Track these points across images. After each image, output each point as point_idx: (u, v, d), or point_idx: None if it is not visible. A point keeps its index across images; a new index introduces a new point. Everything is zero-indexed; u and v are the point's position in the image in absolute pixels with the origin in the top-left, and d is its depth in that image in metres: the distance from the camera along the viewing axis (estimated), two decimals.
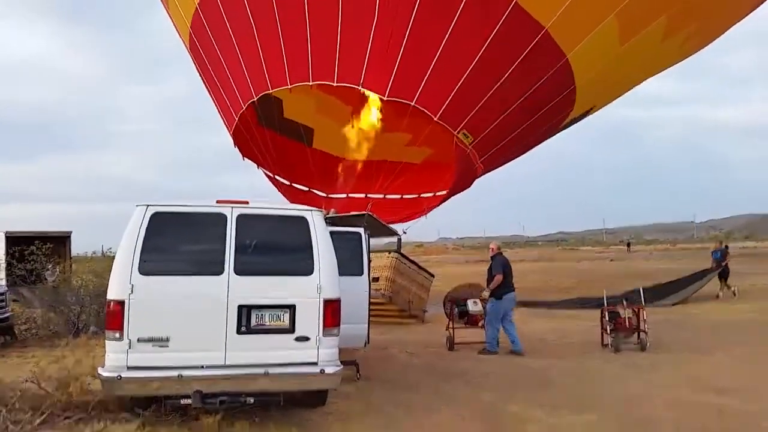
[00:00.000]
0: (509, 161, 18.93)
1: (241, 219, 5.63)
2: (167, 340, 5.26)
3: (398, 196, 18.23)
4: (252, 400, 5.42)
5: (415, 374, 8.36)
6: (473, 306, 10.27)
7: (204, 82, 17.86)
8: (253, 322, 5.47)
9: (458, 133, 14.34)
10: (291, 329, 5.52)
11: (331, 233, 7.94)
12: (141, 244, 5.34)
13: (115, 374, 5.12)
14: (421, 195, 18.01)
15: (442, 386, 7.60)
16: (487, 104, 14.22)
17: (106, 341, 5.30)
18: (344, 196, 17.80)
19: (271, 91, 14.86)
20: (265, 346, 5.45)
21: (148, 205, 5.49)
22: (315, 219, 5.80)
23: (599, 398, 6.84)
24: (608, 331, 9.98)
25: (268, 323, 5.51)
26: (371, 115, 15.21)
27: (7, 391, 6.56)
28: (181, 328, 5.31)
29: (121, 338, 5.22)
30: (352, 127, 15.51)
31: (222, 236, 5.52)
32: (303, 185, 18.07)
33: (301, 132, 17.12)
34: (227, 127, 16.98)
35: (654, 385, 7.44)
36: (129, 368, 5.19)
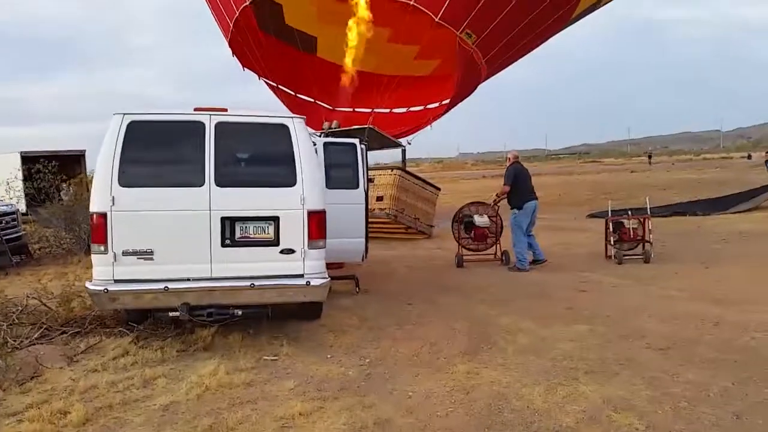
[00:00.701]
0: (515, 60, 18.24)
1: (220, 127, 5.48)
2: (152, 253, 5.27)
3: (404, 110, 17.88)
4: (240, 313, 5.47)
5: (413, 288, 8.41)
6: (479, 219, 10.11)
7: None
8: (238, 234, 5.45)
9: (461, 33, 13.81)
10: (276, 241, 5.48)
11: (326, 145, 7.88)
12: (119, 155, 5.25)
13: (101, 288, 5.17)
14: (427, 106, 17.61)
15: (439, 299, 7.63)
16: (490, 3, 13.61)
17: (92, 255, 5.33)
18: (350, 109, 17.49)
19: None
20: (250, 259, 5.44)
21: (124, 114, 5.36)
22: (297, 127, 5.60)
23: (594, 310, 6.81)
24: (612, 243, 9.87)
25: (252, 235, 5.48)
26: (367, 16, 14.66)
27: (11, 307, 6.76)
28: (165, 241, 5.30)
29: (105, 251, 5.23)
30: (355, 35, 14.95)
31: (201, 146, 5.40)
32: (308, 96, 17.66)
33: (304, 40, 16.58)
34: (224, 35, 16.52)
35: (651, 297, 7.39)
36: (116, 281, 5.23)
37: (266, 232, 5.48)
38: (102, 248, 5.25)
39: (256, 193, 5.49)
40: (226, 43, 16.66)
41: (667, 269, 9.05)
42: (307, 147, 5.62)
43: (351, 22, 14.97)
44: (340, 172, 7.96)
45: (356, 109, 17.45)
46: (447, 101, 16.50)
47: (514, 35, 15.19)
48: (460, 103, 17.73)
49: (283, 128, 5.56)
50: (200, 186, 5.36)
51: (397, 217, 12.95)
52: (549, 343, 5.64)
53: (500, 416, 4.06)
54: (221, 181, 5.40)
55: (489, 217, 10.19)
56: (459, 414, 4.12)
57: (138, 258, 5.25)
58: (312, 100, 17.74)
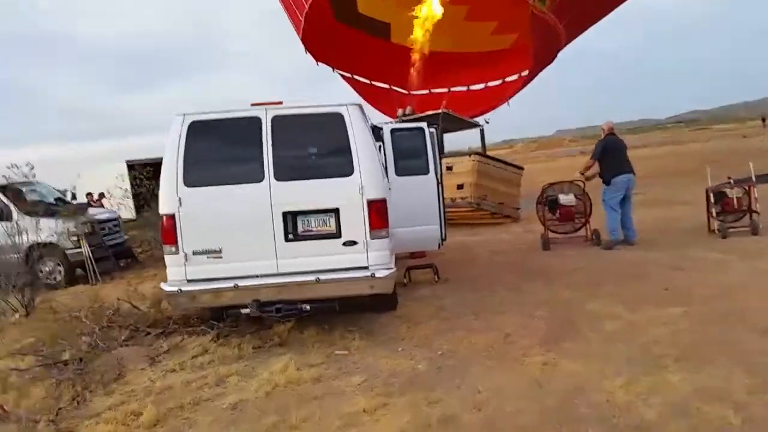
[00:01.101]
0: (597, 19, 17.22)
1: (276, 120, 5.46)
2: (220, 251, 5.34)
3: (482, 86, 17.38)
4: (308, 308, 5.45)
5: (495, 274, 8.10)
6: (564, 197, 9.62)
7: None
8: (300, 228, 5.41)
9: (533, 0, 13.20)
10: (338, 233, 5.40)
11: (393, 131, 7.72)
12: (183, 156, 5.35)
13: (175, 288, 5.31)
14: (506, 79, 17.02)
15: (521, 285, 7.30)
16: None
17: (165, 256, 5.47)
18: (426, 92, 17.24)
19: None
20: (314, 252, 5.39)
21: (185, 115, 5.45)
22: (352, 114, 5.47)
23: (691, 290, 6.27)
24: (714, 215, 9.09)
25: (315, 229, 5.43)
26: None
27: (105, 311, 7.12)
28: (231, 239, 5.36)
29: (177, 252, 5.36)
30: (428, 15, 14.66)
31: (258, 141, 5.40)
32: (383, 83, 17.54)
33: (378, 27, 16.51)
34: (296, 32, 16.66)
35: (758, 273, 6.72)
36: (189, 281, 5.35)
37: (328, 224, 5.41)
38: (173, 249, 5.38)
39: (314, 186, 5.43)
40: (299, 41, 16.79)
41: None
42: (363, 135, 5.48)
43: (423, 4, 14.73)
44: (409, 158, 7.78)
45: (432, 91, 17.19)
46: (526, 72, 15.85)
47: None
48: (541, 72, 17.06)
49: (338, 117, 5.45)
50: (260, 181, 5.37)
51: (480, 204, 12.58)
52: (638, 329, 5.23)
53: (576, 411, 3.77)
54: (280, 175, 5.38)
55: (575, 195, 9.65)
56: (530, 410, 3.85)
57: (208, 257, 5.34)
58: (388, 86, 17.58)
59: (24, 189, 11.92)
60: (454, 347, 5.21)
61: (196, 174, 5.38)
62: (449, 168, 12.76)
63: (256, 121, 5.45)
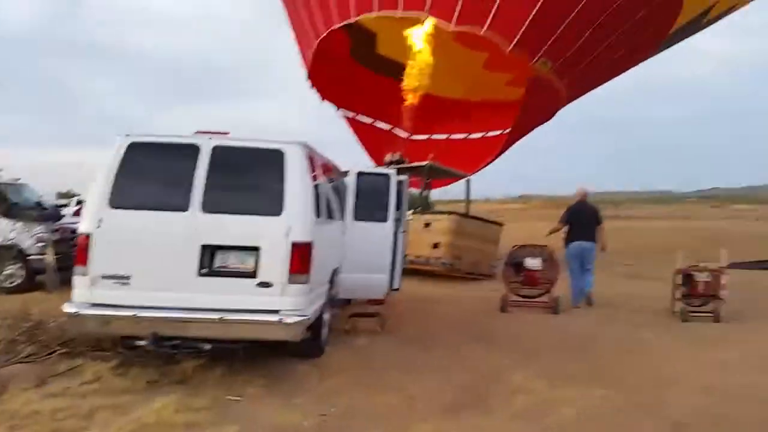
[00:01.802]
0: (601, 81, 17.08)
1: (216, 151, 5.31)
2: (129, 278, 5.13)
3: (480, 135, 17.26)
4: (208, 347, 5.21)
5: (442, 332, 7.80)
6: (530, 261, 9.36)
7: (288, 19, 17.51)
8: (217, 263, 5.22)
9: (535, 62, 13.14)
10: (254, 273, 5.18)
11: (359, 175, 7.57)
12: (114, 177, 5.22)
13: (74, 310, 5.11)
14: (486, 134, 16.88)
15: (461, 346, 6.99)
16: (568, 25, 12.83)
17: (74, 276, 5.29)
18: (425, 137, 17.14)
19: (356, 19, 14.29)
20: (226, 290, 5.17)
21: (127, 135, 5.34)
22: (293, 154, 5.31)
23: (624, 373, 5.97)
24: (678, 297, 8.76)
25: (231, 265, 5.23)
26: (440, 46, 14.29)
27: (26, 323, 6.87)
28: (143, 266, 5.16)
29: (85, 273, 5.17)
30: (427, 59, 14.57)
31: (192, 170, 5.24)
32: (386, 123, 17.33)
33: (393, 67, 16.17)
34: (305, 64, 16.61)
35: (702, 363, 6.38)
36: (93, 305, 5.15)
37: (246, 262, 5.21)
38: (82, 270, 5.20)
39: (239, 221, 5.24)
40: (306, 74, 16.69)
41: (737, 331, 7.88)
42: (300, 176, 5.31)
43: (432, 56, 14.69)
44: (370, 204, 7.63)
45: (432, 137, 17.11)
46: (508, 130, 15.74)
47: (597, 56, 14.25)
48: (533, 130, 16.92)
49: (278, 155, 5.31)
50: (185, 210, 5.19)
51: (453, 264, 12.29)
52: (548, 408, 4.92)
53: None
54: (207, 207, 5.21)
55: (542, 259, 9.39)
56: None
57: (115, 282, 5.14)
58: (389, 127, 17.41)
59: (7, 189, 11.81)
60: (353, 405, 4.93)
61: (123, 196, 5.23)
62: (427, 224, 12.61)
63: (194, 150, 5.32)
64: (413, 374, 5.82)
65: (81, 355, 5.99)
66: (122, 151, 5.32)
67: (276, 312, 5.12)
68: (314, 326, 6.09)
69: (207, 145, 5.34)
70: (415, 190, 17.31)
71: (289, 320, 5.08)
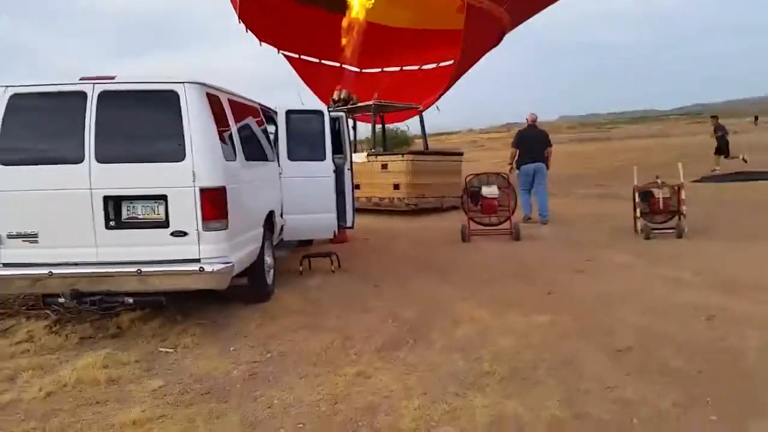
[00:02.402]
0: (543, 8, 16.49)
1: (104, 97, 4.92)
2: (36, 235, 4.87)
3: (416, 68, 16.69)
4: (131, 301, 5.02)
5: (397, 266, 7.68)
6: (487, 189, 9.16)
7: None
8: (125, 215, 4.93)
9: None
10: (166, 223, 4.91)
11: (289, 114, 7.23)
12: (0, 131, 4.87)
13: None
14: (440, 64, 16.29)
15: (411, 280, 6.88)
16: None
17: None
18: (378, 70, 16.55)
19: None
20: (140, 242, 4.91)
21: (6, 87, 4.95)
22: (189, 93, 4.92)
23: (575, 296, 5.87)
24: (639, 215, 8.63)
25: (141, 216, 4.94)
26: None
27: None
28: (49, 223, 4.88)
29: None
30: None
31: (81, 118, 4.88)
32: (334, 61, 16.63)
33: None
34: (233, 7, 15.81)
35: (654, 281, 6.29)
36: (4, 265, 4.91)
37: (156, 212, 4.92)
38: None
39: (141, 169, 4.91)
40: (236, 17, 15.85)
41: (698, 247, 7.79)
42: (200, 116, 4.93)
43: None
44: (304, 143, 7.32)
45: (385, 69, 16.52)
46: (451, 62, 15.20)
47: None
48: (480, 59, 16.41)
49: (173, 95, 4.91)
50: (79, 162, 4.86)
51: (418, 204, 12.17)
52: (488, 338, 4.80)
53: None
54: (103, 157, 4.87)
55: (499, 187, 9.19)
56: (309, 431, 3.44)
57: (23, 241, 4.87)
58: (338, 64, 16.74)
59: None
60: (287, 350, 4.78)
61: (13, 151, 4.90)
62: (384, 166, 12.36)
63: (81, 96, 4.92)
64: (358, 313, 5.68)
65: (16, 315, 5.83)
66: (4, 103, 4.94)
67: (197, 261, 4.89)
68: (254, 271, 5.94)
69: (93, 90, 4.95)
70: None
71: (210, 268, 4.85)
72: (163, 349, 4.87)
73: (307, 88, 16.74)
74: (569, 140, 45.35)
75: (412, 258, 8.24)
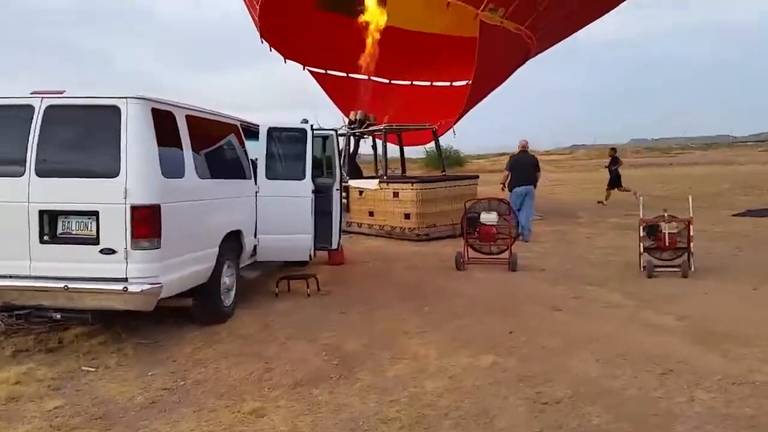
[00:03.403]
0: (577, 28, 15.77)
1: (50, 111, 4.93)
2: None
3: (427, 83, 16.22)
4: (59, 316, 4.98)
5: (377, 294, 7.39)
6: (486, 215, 8.78)
7: None
8: (60, 230, 4.90)
9: (483, 10, 12.17)
10: (97, 240, 4.83)
11: (270, 131, 7.13)
12: None
13: None
14: (453, 83, 15.78)
15: (381, 310, 6.60)
16: None
17: None
18: (408, 83, 16.23)
19: None
20: (70, 258, 4.86)
21: None
22: (131, 109, 4.85)
23: (535, 338, 5.44)
24: (642, 250, 8.06)
25: (74, 232, 4.89)
26: None
27: None
28: None
29: None
30: None
31: (26, 132, 4.89)
32: (362, 74, 16.20)
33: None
34: (253, 18, 15.76)
35: (631, 326, 5.78)
36: None
37: (89, 228, 4.86)
38: None
39: (78, 184, 4.87)
40: (257, 30, 15.76)
41: (700, 289, 7.17)
42: (140, 132, 4.85)
43: None
44: (284, 161, 7.20)
45: (414, 83, 16.24)
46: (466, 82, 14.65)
47: None
48: (504, 82, 15.88)
49: (114, 111, 4.86)
50: (20, 176, 4.87)
51: (430, 235, 11.76)
52: (417, 379, 4.50)
53: None
54: (42, 171, 4.87)
55: (500, 214, 8.79)
56: None
57: None
58: (366, 77, 16.38)
59: None
60: (204, 378, 4.61)
61: None
62: (396, 194, 12.09)
63: (28, 110, 4.95)
64: (301, 342, 5.46)
65: None
66: None
67: (124, 280, 4.79)
68: (206, 292, 5.83)
69: (41, 104, 4.96)
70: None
71: (135, 289, 4.74)
72: (85, 368, 4.80)
73: (334, 105, 16.73)
74: (629, 165, 43.63)
75: (399, 284, 7.95)
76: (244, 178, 6.79)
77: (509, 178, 11.57)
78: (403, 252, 10.66)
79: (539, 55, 16.28)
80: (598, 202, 16.77)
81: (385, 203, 12.42)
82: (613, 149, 18.35)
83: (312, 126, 7.37)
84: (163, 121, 5.17)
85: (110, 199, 4.78)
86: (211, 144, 6.24)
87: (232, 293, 6.37)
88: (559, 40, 16.37)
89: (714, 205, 16.10)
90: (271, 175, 7.08)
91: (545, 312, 6.35)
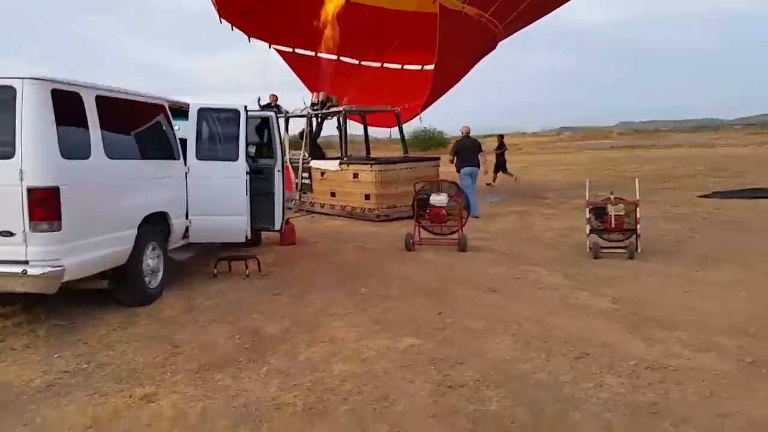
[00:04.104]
0: (544, 13, 15.55)
1: None
2: None
3: (398, 66, 15.97)
4: None
5: (318, 276, 7.27)
6: (436, 197, 8.66)
7: None
8: None
9: None
10: None
11: (200, 111, 6.94)
12: None
13: None
14: (424, 67, 15.50)
15: (316, 291, 6.48)
16: None
17: None
18: (378, 65, 15.94)
19: None
20: None
21: None
22: (26, 89, 4.65)
23: (461, 321, 5.35)
24: (588, 232, 7.99)
25: None
26: None
27: None
28: None
29: None
30: None
31: None
32: (331, 54, 15.72)
33: None
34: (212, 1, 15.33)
35: (560, 308, 5.70)
36: None
37: None
38: None
39: None
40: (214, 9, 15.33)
41: (643, 271, 7.09)
42: (37, 113, 4.67)
43: None
44: (216, 142, 7.03)
45: (385, 65, 15.95)
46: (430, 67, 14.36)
47: None
48: (471, 66, 15.65)
49: (10, 91, 4.65)
50: None
51: (390, 216, 11.64)
52: (328, 363, 4.41)
53: None
54: None
55: (450, 195, 8.67)
56: None
57: None
58: (335, 57, 15.99)
59: None
60: (108, 362, 4.48)
61: None
62: (355, 175, 11.94)
63: None
64: (220, 325, 5.34)
65: None
66: None
67: (24, 263, 4.64)
68: (126, 274, 5.69)
69: None
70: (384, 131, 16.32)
71: (35, 271, 4.59)
72: None
73: (305, 87, 16.40)
74: (610, 146, 43.70)
75: (344, 265, 7.84)
76: (171, 158, 6.61)
77: (456, 161, 12.21)
78: (359, 232, 10.54)
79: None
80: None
81: (346, 184, 12.28)
82: (501, 136, 18.58)
83: (246, 107, 7.16)
84: (67, 103, 4.98)
85: (6, 181, 4.62)
86: (129, 125, 6.06)
87: (160, 275, 6.23)
88: (527, 25, 16.11)
89: (683, 187, 16.08)
90: (202, 155, 6.91)
91: (479, 294, 6.25)
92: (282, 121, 14.30)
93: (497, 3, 13.16)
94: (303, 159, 13.50)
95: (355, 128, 15.29)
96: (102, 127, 5.35)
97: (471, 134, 12.70)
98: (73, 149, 4.96)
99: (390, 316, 5.54)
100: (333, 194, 12.69)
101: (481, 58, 15.84)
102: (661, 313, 5.43)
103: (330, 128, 14.73)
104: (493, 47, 15.59)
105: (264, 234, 9.07)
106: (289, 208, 13.69)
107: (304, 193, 13.56)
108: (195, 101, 7.08)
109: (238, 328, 5.21)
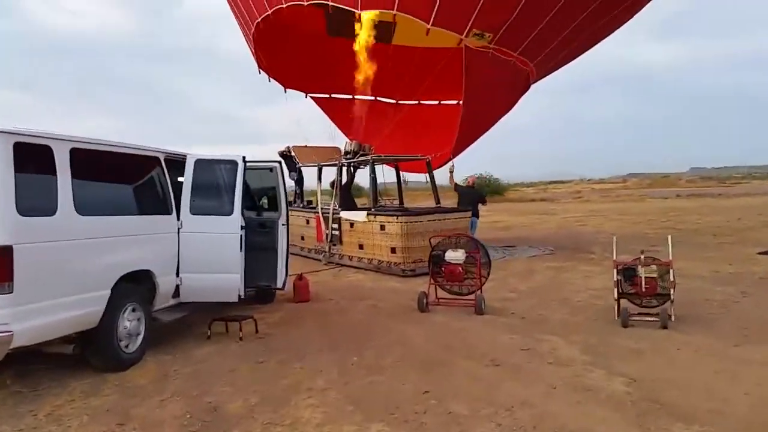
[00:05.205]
0: (578, 53, 14.92)
1: None
2: None
3: (436, 102, 15.57)
4: None
5: (322, 337, 6.87)
6: (452, 253, 8.11)
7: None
8: None
9: (466, 35, 11.50)
10: None
11: (197, 163, 6.73)
12: None
13: None
14: (442, 102, 15.05)
15: (307, 358, 6.05)
16: None
17: None
18: (415, 102, 15.65)
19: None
20: None
21: None
22: None
23: (445, 403, 4.76)
24: (616, 297, 7.22)
25: None
26: None
27: None
28: None
29: None
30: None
31: None
32: (368, 95, 15.38)
33: (381, 28, 13.80)
34: (251, 49, 15.49)
35: (559, 392, 5.00)
36: None
37: None
38: None
39: None
40: (254, 60, 15.42)
41: (671, 342, 6.29)
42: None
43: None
44: (211, 195, 6.77)
45: (421, 101, 15.73)
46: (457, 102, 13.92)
47: (551, 21, 12.32)
48: (507, 112, 15.10)
49: None
50: None
51: (416, 270, 11.02)
52: None
53: None
54: None
55: (467, 252, 8.09)
56: None
57: None
58: (372, 98, 15.62)
59: None
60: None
61: None
62: (382, 227, 11.53)
63: None
64: (181, 398, 4.96)
65: None
66: None
67: None
68: (97, 338, 5.40)
69: None
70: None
71: None
72: None
73: (341, 132, 16.32)
74: (675, 195, 41.72)
75: (347, 327, 7.38)
76: (163, 213, 6.38)
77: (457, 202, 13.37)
78: (378, 289, 10.05)
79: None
80: None
81: (373, 236, 11.87)
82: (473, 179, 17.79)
83: (244, 158, 6.90)
84: (34, 156, 4.81)
85: None
86: (112, 179, 5.86)
87: (140, 338, 5.92)
88: (563, 65, 15.56)
89: (743, 241, 14.88)
90: (195, 209, 6.66)
91: (479, 368, 5.63)
92: (315, 170, 14.16)
93: (527, 41, 12.67)
94: (333, 209, 13.21)
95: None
96: (76, 182, 5.14)
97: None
98: (35, 206, 4.76)
99: (371, 393, 5.02)
100: (361, 246, 12.28)
101: (515, 99, 15.33)
102: (678, 399, 4.69)
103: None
104: (527, 88, 15.07)
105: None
106: (319, 260, 13.39)
107: (334, 245, 13.20)
108: (193, 153, 6.87)
109: (197, 405, 4.79)
